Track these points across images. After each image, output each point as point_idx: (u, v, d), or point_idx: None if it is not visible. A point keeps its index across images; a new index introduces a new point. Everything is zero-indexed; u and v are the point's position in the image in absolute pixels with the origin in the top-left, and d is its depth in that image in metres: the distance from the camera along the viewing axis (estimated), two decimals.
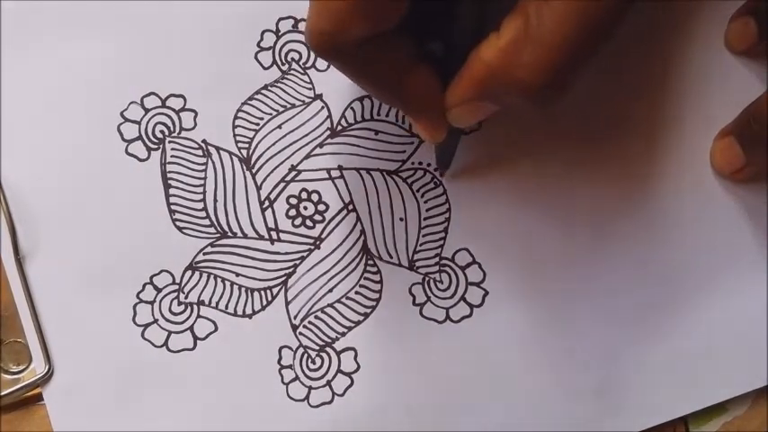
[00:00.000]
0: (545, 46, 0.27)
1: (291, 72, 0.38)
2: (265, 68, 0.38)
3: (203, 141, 0.38)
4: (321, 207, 0.37)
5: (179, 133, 0.38)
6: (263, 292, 0.37)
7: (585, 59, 0.28)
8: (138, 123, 0.38)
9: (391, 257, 0.37)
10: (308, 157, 0.38)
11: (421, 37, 0.30)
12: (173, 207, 0.37)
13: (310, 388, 0.36)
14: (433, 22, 0.30)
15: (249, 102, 0.38)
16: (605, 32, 0.28)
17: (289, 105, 0.38)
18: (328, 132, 0.38)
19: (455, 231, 0.37)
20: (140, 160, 0.37)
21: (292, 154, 0.38)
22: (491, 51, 0.29)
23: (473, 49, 0.29)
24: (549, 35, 0.27)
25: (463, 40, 0.30)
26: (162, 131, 0.38)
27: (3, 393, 0.36)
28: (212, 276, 0.37)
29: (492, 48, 0.29)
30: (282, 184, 0.37)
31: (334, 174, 0.37)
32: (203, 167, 0.37)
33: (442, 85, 0.31)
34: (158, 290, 0.37)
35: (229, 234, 0.37)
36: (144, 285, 0.37)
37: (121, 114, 0.38)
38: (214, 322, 0.37)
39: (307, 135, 0.38)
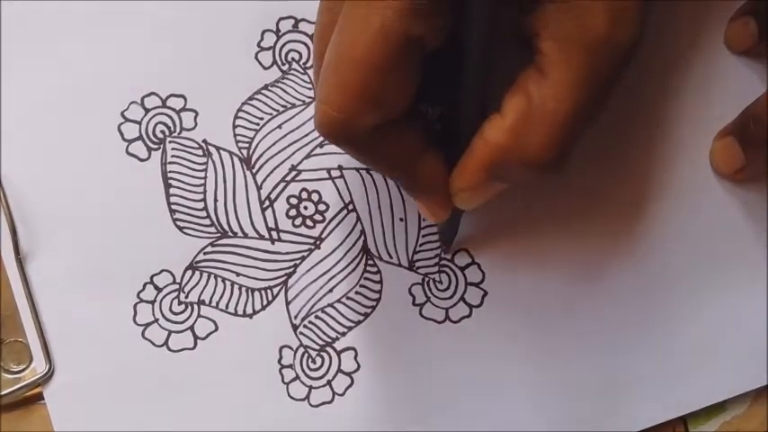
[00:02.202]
0: (551, 124, 0.28)
1: (292, 72, 0.38)
2: (265, 68, 0.38)
3: (204, 141, 0.38)
4: (321, 207, 0.37)
5: (179, 133, 0.38)
6: (263, 292, 0.37)
7: (588, 125, 0.29)
8: (139, 123, 0.38)
9: (391, 257, 0.37)
10: (308, 156, 0.38)
11: (420, 104, 0.30)
12: (173, 207, 0.37)
13: (311, 387, 0.36)
14: (435, 93, 0.30)
15: (249, 102, 0.38)
16: (606, 96, 0.29)
17: (289, 105, 0.38)
18: None
19: None
20: (141, 160, 0.37)
21: (292, 154, 0.38)
22: (497, 133, 0.29)
23: (476, 125, 0.29)
24: (553, 112, 0.28)
25: (466, 111, 0.30)
26: (162, 131, 0.38)
27: (3, 393, 0.36)
28: (213, 276, 0.37)
29: (497, 129, 0.29)
30: (283, 184, 0.37)
31: (335, 173, 0.37)
32: (204, 167, 0.37)
33: (448, 167, 0.31)
34: (159, 289, 0.37)
35: (230, 234, 0.37)
36: (144, 285, 0.37)
37: (122, 114, 0.38)
38: (214, 322, 0.37)
39: (307, 135, 0.38)
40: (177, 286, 0.37)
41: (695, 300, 0.37)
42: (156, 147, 0.37)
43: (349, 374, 0.37)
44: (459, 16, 0.27)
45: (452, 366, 0.36)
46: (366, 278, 0.37)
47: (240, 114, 0.38)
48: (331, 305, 0.37)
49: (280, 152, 0.38)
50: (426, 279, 0.37)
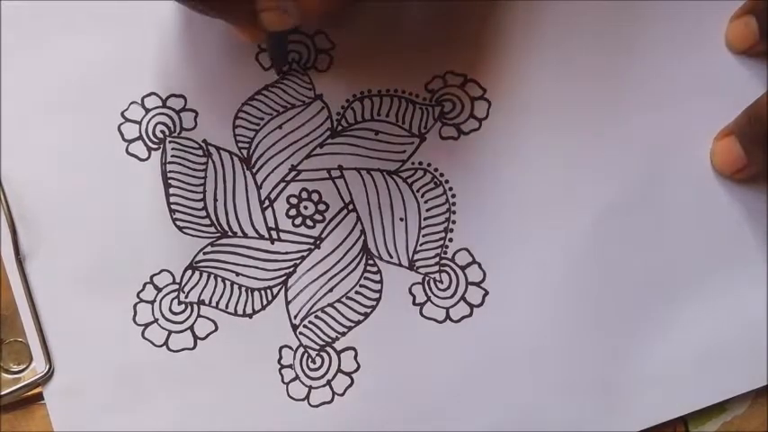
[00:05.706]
0: None
1: (292, 72, 0.38)
2: (266, 69, 0.38)
3: (204, 141, 0.38)
4: (321, 207, 0.37)
5: (179, 133, 0.38)
6: (263, 292, 0.37)
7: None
8: (139, 123, 0.38)
9: (391, 257, 0.37)
10: (308, 156, 0.38)
11: None
12: (173, 207, 0.37)
13: (310, 387, 0.36)
14: None
15: (249, 102, 0.38)
16: None
17: (289, 105, 0.38)
18: (328, 132, 0.38)
19: (455, 231, 0.37)
20: (141, 160, 0.37)
21: (292, 154, 0.38)
22: None
23: None
24: None
25: None
26: (162, 131, 0.38)
27: (3, 393, 0.36)
28: (212, 276, 0.37)
29: None
30: (283, 184, 0.37)
31: (335, 174, 0.37)
32: (203, 167, 0.37)
33: None
34: (158, 289, 0.37)
35: (229, 234, 0.37)
36: (144, 285, 0.37)
37: (122, 114, 0.38)
38: (214, 322, 0.37)
39: (307, 135, 0.38)
40: (177, 286, 0.37)
41: (695, 299, 0.37)
42: (155, 147, 0.37)
43: (349, 374, 0.37)
44: None
45: (452, 366, 0.36)
46: (366, 278, 0.37)
47: (240, 114, 0.38)
48: (331, 305, 0.37)
49: (280, 152, 0.38)
50: (427, 278, 0.37)
